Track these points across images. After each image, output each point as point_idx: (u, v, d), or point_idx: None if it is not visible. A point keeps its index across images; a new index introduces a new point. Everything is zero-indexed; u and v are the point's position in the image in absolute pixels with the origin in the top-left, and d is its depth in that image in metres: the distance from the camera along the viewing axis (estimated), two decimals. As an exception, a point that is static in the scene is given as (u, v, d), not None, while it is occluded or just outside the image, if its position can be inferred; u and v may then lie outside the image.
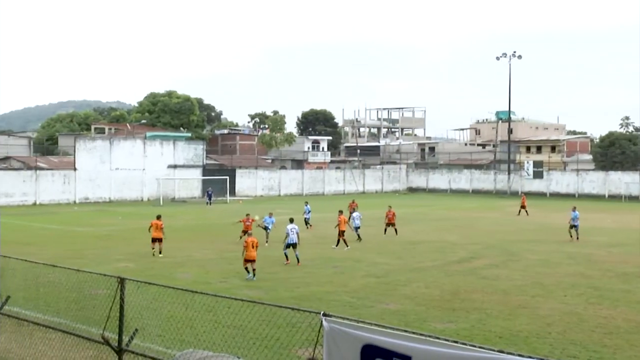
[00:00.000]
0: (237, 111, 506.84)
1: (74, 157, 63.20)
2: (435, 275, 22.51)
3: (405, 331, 6.00)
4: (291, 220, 26.04)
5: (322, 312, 6.55)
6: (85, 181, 62.77)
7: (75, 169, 62.03)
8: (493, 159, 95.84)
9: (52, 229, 37.82)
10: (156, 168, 67.57)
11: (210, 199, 61.62)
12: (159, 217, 27.67)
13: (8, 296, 11.50)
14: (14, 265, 12.84)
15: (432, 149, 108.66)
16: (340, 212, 31.49)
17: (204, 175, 71.11)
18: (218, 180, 69.47)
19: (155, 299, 12.39)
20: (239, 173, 76.25)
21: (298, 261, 24.68)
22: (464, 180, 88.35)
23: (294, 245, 24.82)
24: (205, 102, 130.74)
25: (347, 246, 29.48)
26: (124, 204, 60.01)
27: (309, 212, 39.55)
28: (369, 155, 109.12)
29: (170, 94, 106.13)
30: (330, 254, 28.12)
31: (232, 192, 71.78)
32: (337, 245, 29.68)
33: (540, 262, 26.10)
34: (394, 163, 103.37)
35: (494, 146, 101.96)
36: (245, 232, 30.26)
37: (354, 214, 33.48)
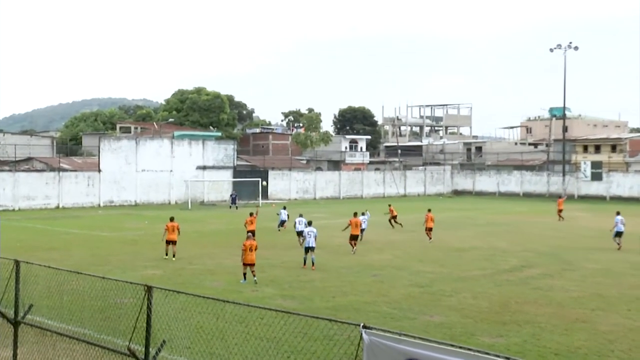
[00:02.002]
0: (269, 109, 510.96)
1: (99, 158, 63.97)
2: (484, 285, 22.34)
3: (452, 345, 5.95)
4: (309, 223, 27.38)
5: (361, 324, 6.51)
6: (110, 183, 63.48)
7: (99, 171, 62.78)
8: (546, 160, 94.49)
9: (76, 233, 38.37)
10: (184, 169, 68.06)
11: (234, 203, 61.45)
12: (172, 219, 28.74)
13: (31, 304, 11.67)
14: (36, 272, 13.06)
15: (479, 148, 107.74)
16: (355, 214, 32.03)
17: (234, 177, 71.47)
18: (249, 183, 69.93)
19: (183, 309, 12.51)
20: (271, 174, 76.34)
21: (313, 264, 25.53)
22: (513, 182, 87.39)
23: (312, 249, 25.78)
24: (237, 99, 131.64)
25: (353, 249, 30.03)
26: (150, 208, 60.65)
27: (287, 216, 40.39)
28: (411, 156, 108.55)
29: (199, 91, 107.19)
30: (369, 260, 28.10)
31: (265, 194, 72.54)
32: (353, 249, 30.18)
33: (600, 271, 25.66)
34: (438, 164, 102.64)
35: (547, 145, 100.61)
36: (251, 232, 31.06)
37: (362, 217, 34.05)
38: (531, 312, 18.26)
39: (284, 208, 42.24)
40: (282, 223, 39.91)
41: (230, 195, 61.50)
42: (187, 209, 59.59)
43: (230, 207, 59.77)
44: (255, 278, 22.30)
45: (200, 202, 66.90)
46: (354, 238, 30.57)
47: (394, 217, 42.76)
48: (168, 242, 28.08)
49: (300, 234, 31.72)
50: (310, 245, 25.67)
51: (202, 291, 19.39)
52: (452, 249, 32.22)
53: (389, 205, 44.82)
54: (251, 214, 33.20)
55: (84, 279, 13.35)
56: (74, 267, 19.46)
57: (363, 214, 36.36)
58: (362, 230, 33.79)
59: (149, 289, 9.33)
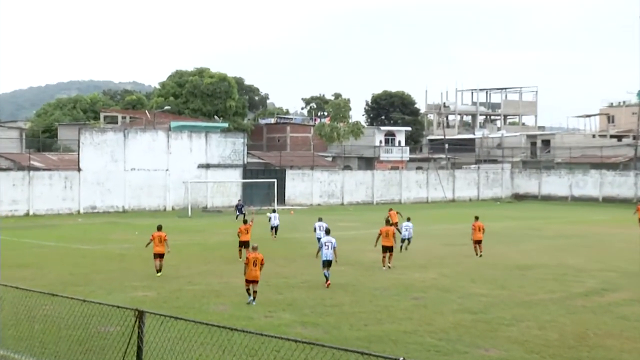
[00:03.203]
0: (287, 94, 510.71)
1: (78, 154, 64.46)
2: (553, 312, 22.18)
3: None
4: (327, 232, 27.90)
5: (400, 359, 6.50)
6: (92, 185, 63.79)
7: (79, 170, 63.16)
8: (633, 156, 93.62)
9: (50, 246, 38.57)
10: (183, 168, 68.26)
11: (241, 212, 57.21)
12: (160, 228, 29.21)
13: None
14: (1, 294, 13.18)
15: (546, 142, 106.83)
16: (387, 221, 32.55)
17: (244, 178, 71.64)
18: (262, 185, 69.91)
19: (182, 339, 12.53)
20: (289, 175, 76.50)
21: (327, 280, 26.13)
22: (590, 184, 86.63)
23: (329, 263, 26.26)
24: (247, 82, 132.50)
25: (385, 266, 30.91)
26: (141, 215, 60.86)
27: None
28: (461, 152, 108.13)
29: (201, 73, 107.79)
30: (408, 280, 28.07)
31: (281, 199, 72.36)
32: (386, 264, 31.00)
33: None
34: (495, 161, 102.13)
35: (634, 138, 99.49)
36: (243, 244, 32.10)
37: (406, 224, 36.37)
38: (615, 348, 18.05)
39: (274, 211, 44.66)
40: (274, 229, 42.21)
41: (236, 206, 58.82)
42: (187, 216, 59.82)
43: (237, 217, 56.87)
44: (252, 298, 22.71)
45: (202, 208, 67.03)
46: (386, 250, 30.80)
47: (394, 224, 43.25)
48: (156, 256, 28.64)
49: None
50: (329, 258, 26.18)
51: (205, 317, 19.41)
52: (512, 266, 32.03)
53: (390, 210, 45.26)
54: (245, 222, 34.07)
55: (60, 302, 13.41)
56: (48, 288, 19.57)
57: (408, 219, 37.61)
58: (408, 240, 36.19)
59: (140, 315, 9.37)
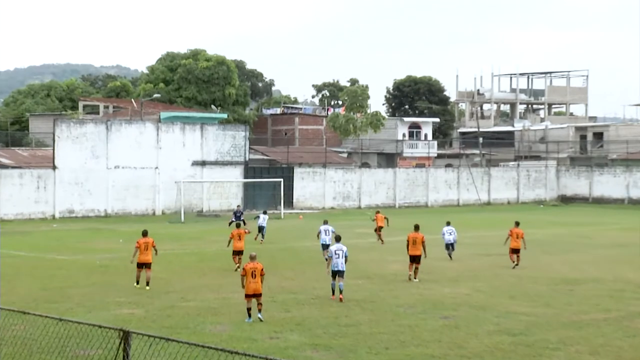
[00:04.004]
0: (296, 81, 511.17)
1: (53, 150, 64.38)
2: (607, 335, 22.01)
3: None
4: (338, 239, 28.06)
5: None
6: (70, 186, 63.75)
7: (54, 168, 63.14)
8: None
9: (21, 257, 38.32)
10: (175, 166, 68.25)
11: (239, 219, 54.76)
12: (145, 234, 29.67)
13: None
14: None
15: (598, 135, 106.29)
16: (416, 227, 32.42)
17: (246, 177, 71.53)
18: (267, 185, 69.75)
19: (174, 364, 12.62)
20: (298, 173, 76.34)
21: (340, 292, 26.65)
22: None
23: (341, 274, 26.82)
24: (249, 66, 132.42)
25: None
26: (127, 220, 61.00)
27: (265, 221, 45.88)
28: (498, 147, 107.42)
29: (196, 55, 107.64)
30: (437, 296, 28.00)
31: (289, 202, 72.17)
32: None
33: None
34: (537, 158, 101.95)
35: None
36: (237, 253, 33.17)
37: (447, 228, 37.69)
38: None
39: (264, 212, 47.29)
40: (261, 230, 44.79)
41: (234, 213, 56.98)
42: (180, 221, 59.87)
43: (230, 224, 51.28)
44: (260, 315, 23.03)
45: (197, 212, 67.13)
46: (412, 260, 30.99)
47: (378, 229, 45.45)
48: (140, 266, 28.91)
49: (326, 247, 34.05)
50: (339, 268, 26.74)
51: (201, 338, 19.61)
52: (558, 280, 31.85)
53: (377, 212, 47.11)
54: (238, 226, 34.57)
55: (32, 321, 13.42)
56: (18, 305, 19.36)
57: (448, 223, 38.71)
58: (452, 246, 37.31)
59: (125, 336, 9.37)
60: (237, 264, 32.52)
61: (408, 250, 31.36)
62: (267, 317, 23.52)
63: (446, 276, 32.58)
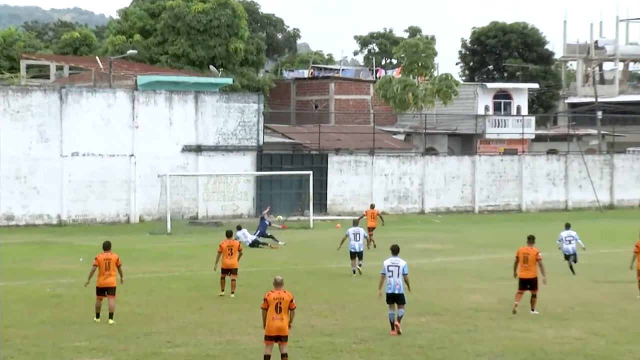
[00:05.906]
0: (330, 31, 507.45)
1: (-15, 129, 61.69)
2: None
3: None
4: (394, 251, 28.89)
5: None
6: (9, 181, 63.03)
7: (-14, 155, 62.12)
8: None
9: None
10: (159, 153, 67.30)
11: (263, 234, 55.27)
12: (107, 247, 29.00)
13: None
14: None
15: None
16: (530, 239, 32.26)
17: (260, 168, 70.92)
18: (290, 180, 68.97)
19: None
20: (334, 163, 74.88)
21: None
22: None
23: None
24: (264, 11, 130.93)
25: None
26: (89, 230, 60.38)
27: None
28: (626, 124, 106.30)
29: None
30: (536, 342, 26.28)
31: (321, 203, 70.95)
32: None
33: None
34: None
35: None
36: (226, 272, 33.84)
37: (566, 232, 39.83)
38: None
39: (239, 228, 49.44)
40: (257, 244, 49.17)
41: (261, 219, 56.80)
42: (165, 232, 57.95)
43: (230, 234, 52.95)
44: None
45: (190, 219, 66.08)
46: (524, 286, 30.94)
47: (369, 229, 47.66)
48: (101, 292, 28.28)
49: (355, 255, 39.10)
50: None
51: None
52: None
53: (371, 206, 51.23)
54: (229, 235, 35.15)
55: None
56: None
57: (567, 226, 41.45)
58: (574, 256, 40.21)
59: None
60: (223, 289, 32.78)
61: (515, 270, 30.05)
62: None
63: (550, 312, 30.25)
